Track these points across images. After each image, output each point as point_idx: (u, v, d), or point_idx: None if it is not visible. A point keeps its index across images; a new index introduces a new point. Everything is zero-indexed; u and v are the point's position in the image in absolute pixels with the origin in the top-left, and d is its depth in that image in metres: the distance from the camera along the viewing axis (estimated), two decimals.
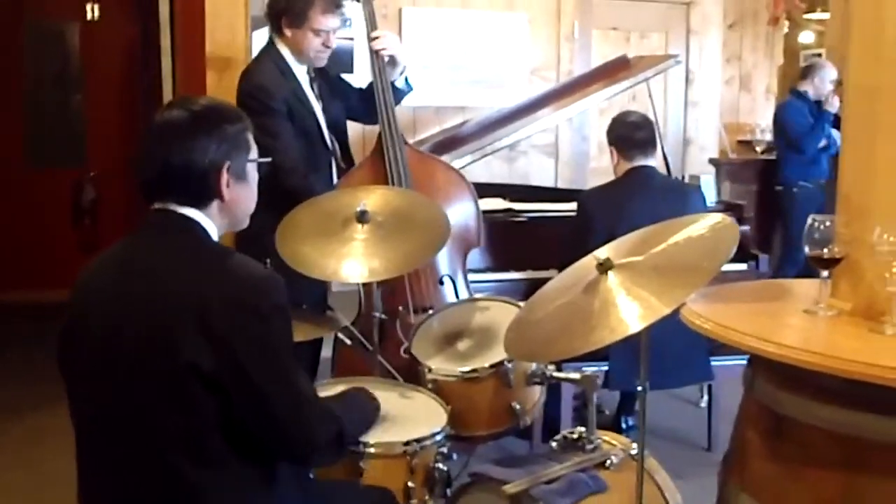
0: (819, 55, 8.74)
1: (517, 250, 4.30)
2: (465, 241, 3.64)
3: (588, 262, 2.35)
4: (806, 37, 9.55)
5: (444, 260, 3.59)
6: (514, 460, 2.67)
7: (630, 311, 2.09)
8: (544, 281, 2.90)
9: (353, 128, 3.84)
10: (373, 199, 2.84)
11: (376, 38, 3.56)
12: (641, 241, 2.38)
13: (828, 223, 2.02)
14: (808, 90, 6.20)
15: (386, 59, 3.58)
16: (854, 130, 2.06)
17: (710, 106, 6.87)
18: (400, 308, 3.38)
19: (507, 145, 4.74)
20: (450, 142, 4.79)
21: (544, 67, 6.05)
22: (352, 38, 5.51)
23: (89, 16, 6.95)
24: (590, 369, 2.71)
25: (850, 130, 2.08)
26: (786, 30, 8.98)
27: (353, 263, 2.68)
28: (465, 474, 2.59)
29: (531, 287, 3.00)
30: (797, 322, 2.01)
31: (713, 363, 3.91)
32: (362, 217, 2.74)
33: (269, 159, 2.10)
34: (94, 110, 7.08)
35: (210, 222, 1.95)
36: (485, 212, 4.21)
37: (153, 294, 1.83)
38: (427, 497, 2.47)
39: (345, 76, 3.95)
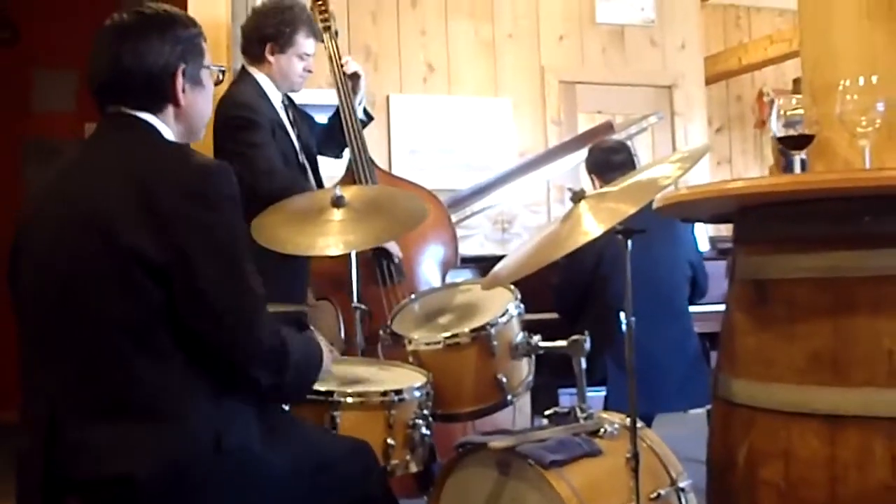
0: None
1: None
2: (443, 261, 3.60)
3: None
4: None
5: (422, 281, 3.54)
6: (502, 432, 2.53)
7: (598, 218, 2.06)
8: (538, 321, 2.87)
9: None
10: (349, 190, 2.83)
11: (347, 62, 3.66)
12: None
13: (794, 102, 1.99)
14: None
15: (352, 77, 3.66)
16: (809, 14, 2.06)
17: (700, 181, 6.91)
18: (381, 332, 3.30)
19: (494, 204, 4.78)
20: None
21: (531, 150, 6.11)
22: None
23: (87, 134, 7.09)
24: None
25: (805, 15, 2.08)
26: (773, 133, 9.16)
27: (328, 239, 2.64)
28: None
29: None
30: None
31: None
32: (338, 202, 2.72)
33: (222, 67, 2.07)
34: None
35: (166, 128, 1.91)
36: (479, 258, 4.22)
37: (99, 185, 1.79)
38: (409, 458, 2.34)
39: None
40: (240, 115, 3.34)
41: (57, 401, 1.74)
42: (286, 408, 2.16)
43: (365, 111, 3.79)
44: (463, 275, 3.98)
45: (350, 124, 3.60)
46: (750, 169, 8.95)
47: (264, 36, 3.50)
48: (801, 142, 1.98)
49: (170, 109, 1.92)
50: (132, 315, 1.72)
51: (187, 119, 1.95)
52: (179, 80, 1.90)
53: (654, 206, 2.02)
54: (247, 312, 1.79)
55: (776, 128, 2.01)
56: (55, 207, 1.83)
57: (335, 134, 3.68)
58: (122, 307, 1.71)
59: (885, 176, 1.59)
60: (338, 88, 3.65)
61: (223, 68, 2.08)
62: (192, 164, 1.82)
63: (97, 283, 1.72)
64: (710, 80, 7.45)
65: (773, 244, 1.79)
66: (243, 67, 3.55)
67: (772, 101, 8.98)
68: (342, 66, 3.66)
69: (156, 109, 1.90)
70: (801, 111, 2.00)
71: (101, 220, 1.74)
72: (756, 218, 1.85)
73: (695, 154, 2.09)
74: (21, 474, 1.77)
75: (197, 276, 1.73)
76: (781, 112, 2.00)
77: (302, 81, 3.54)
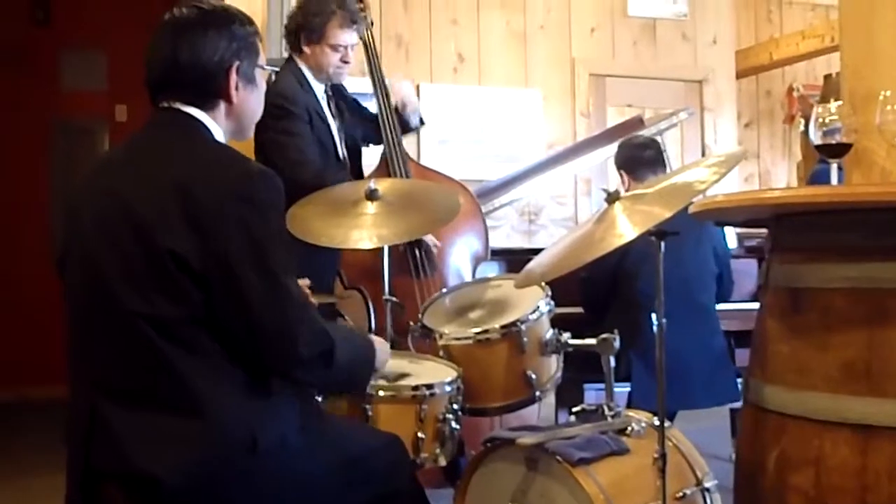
0: None
1: None
2: (474, 254, 3.63)
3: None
4: None
5: (454, 274, 3.56)
6: (530, 428, 2.56)
7: (632, 221, 2.07)
8: (567, 315, 2.88)
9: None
10: (383, 183, 2.85)
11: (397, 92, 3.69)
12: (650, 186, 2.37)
13: (833, 111, 1.99)
14: None
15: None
16: (851, 21, 2.06)
17: (729, 179, 6.89)
18: (411, 324, 3.32)
19: (522, 197, 4.80)
20: None
21: (560, 142, 6.13)
22: None
23: (118, 117, 7.16)
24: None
25: (847, 22, 2.08)
26: (801, 128, 9.08)
27: (362, 232, 2.66)
28: None
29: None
30: None
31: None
32: (372, 195, 2.73)
33: (275, 68, 2.08)
34: None
35: (216, 125, 1.93)
36: (506, 251, 4.22)
37: (145, 185, 1.81)
38: (438, 451, 2.36)
39: None
40: (276, 103, 3.35)
41: (97, 391, 1.77)
42: (318, 399, 2.19)
43: (420, 119, 3.84)
44: (490, 268, 3.98)
45: (385, 116, 3.61)
46: (778, 164, 8.90)
47: (298, 26, 3.51)
48: (839, 150, 1.98)
49: (221, 106, 1.93)
50: (172, 314, 1.74)
51: (238, 117, 1.96)
52: (233, 77, 1.91)
53: (690, 211, 2.03)
54: (288, 326, 1.80)
55: (814, 135, 2.01)
56: (101, 201, 1.85)
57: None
58: (162, 306, 1.73)
59: None
60: (373, 79, 3.65)
61: (276, 69, 2.09)
62: (238, 168, 1.83)
63: (138, 281, 1.75)
64: (740, 75, 7.42)
65: (809, 253, 1.81)
66: (290, 56, 3.57)
67: (801, 97, 8.94)
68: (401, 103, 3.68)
69: (208, 106, 1.91)
70: (839, 119, 2.00)
71: (144, 223, 1.76)
72: (792, 226, 1.86)
73: (730, 159, 2.10)
74: (68, 460, 1.81)
75: (239, 286, 1.74)
76: (820, 119, 2.01)
77: (340, 73, 3.53)
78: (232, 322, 1.77)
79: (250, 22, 1.99)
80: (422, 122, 3.89)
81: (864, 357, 1.69)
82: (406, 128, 3.79)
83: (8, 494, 4.27)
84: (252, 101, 1.98)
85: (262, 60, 2.00)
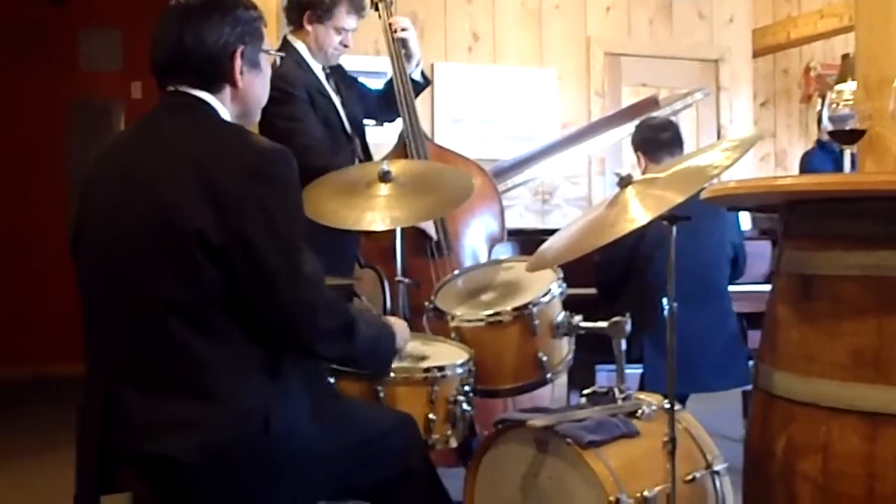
0: None
1: None
2: (490, 235, 3.63)
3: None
4: None
5: (469, 255, 3.56)
6: (540, 410, 2.57)
7: (644, 205, 2.07)
8: (579, 296, 2.90)
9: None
10: (396, 165, 2.86)
11: (395, 22, 3.62)
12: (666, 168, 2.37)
13: (847, 95, 1.98)
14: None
15: (402, 44, 3.63)
16: (866, 7, 2.05)
17: (744, 159, 6.86)
18: (426, 303, 3.34)
19: (536, 177, 4.80)
20: None
21: (575, 122, 6.11)
22: None
23: (133, 94, 7.16)
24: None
25: (862, 8, 2.07)
26: (819, 107, 9.01)
27: (374, 214, 2.67)
28: None
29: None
30: None
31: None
32: (385, 176, 2.74)
33: (280, 53, 2.09)
34: None
35: (222, 107, 1.95)
36: (519, 231, 4.23)
37: (161, 165, 1.83)
38: (449, 433, 2.38)
39: None
40: (277, 87, 3.32)
41: (113, 373, 1.80)
42: (331, 381, 2.21)
43: (422, 74, 3.77)
44: (503, 248, 3.98)
45: (403, 97, 3.60)
46: (794, 144, 8.82)
47: (305, 3, 3.48)
48: (853, 136, 1.98)
49: (227, 90, 1.95)
50: (190, 295, 1.76)
51: (243, 101, 1.98)
52: (238, 61, 1.93)
53: (702, 196, 2.02)
54: (307, 301, 1.84)
55: (827, 121, 2.00)
56: (115, 185, 1.87)
57: (391, 100, 3.66)
58: (180, 287, 1.76)
59: None
60: (392, 60, 3.63)
61: (282, 55, 2.11)
62: (252, 146, 1.86)
63: (157, 263, 1.77)
64: (757, 54, 7.37)
65: (820, 240, 1.80)
66: (285, 37, 3.55)
67: (819, 77, 8.84)
68: (393, 28, 3.63)
69: (214, 89, 1.93)
70: (853, 105, 1.99)
71: (163, 202, 1.78)
72: (803, 213, 1.86)
73: (744, 143, 2.09)
74: (80, 441, 1.84)
75: (259, 263, 1.77)
76: (833, 105, 2.00)
77: (337, 55, 3.52)
78: (255, 300, 1.79)
79: (254, 7, 2.01)
80: (426, 80, 3.84)
81: (873, 345, 1.69)
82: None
83: (14, 475, 4.32)
84: (257, 85, 2.00)
85: (266, 45, 2.02)
